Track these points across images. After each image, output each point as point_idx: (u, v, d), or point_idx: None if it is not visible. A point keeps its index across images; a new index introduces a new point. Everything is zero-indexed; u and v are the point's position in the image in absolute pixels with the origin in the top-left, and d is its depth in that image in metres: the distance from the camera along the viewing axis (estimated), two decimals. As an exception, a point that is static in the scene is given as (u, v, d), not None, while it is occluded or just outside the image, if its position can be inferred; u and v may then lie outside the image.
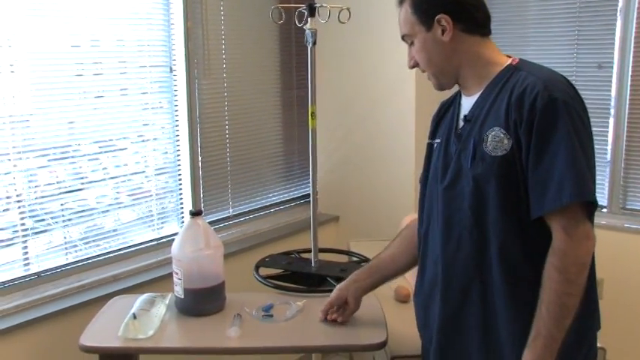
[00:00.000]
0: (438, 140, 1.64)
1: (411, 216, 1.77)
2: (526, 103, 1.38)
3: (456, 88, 1.64)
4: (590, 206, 1.37)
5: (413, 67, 1.61)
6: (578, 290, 1.36)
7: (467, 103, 1.56)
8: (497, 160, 1.42)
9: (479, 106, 1.50)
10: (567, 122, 1.35)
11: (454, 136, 1.56)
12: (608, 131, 3.09)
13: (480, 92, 1.52)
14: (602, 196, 3.13)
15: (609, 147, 3.10)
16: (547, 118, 1.36)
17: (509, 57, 1.54)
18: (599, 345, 2.01)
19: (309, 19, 2.43)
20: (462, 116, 1.56)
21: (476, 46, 1.52)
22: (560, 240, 1.36)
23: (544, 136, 1.36)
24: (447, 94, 1.68)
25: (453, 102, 1.65)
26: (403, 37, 1.59)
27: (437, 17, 1.48)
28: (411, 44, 1.57)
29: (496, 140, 1.42)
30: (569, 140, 1.34)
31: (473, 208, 1.47)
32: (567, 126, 1.35)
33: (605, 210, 3.14)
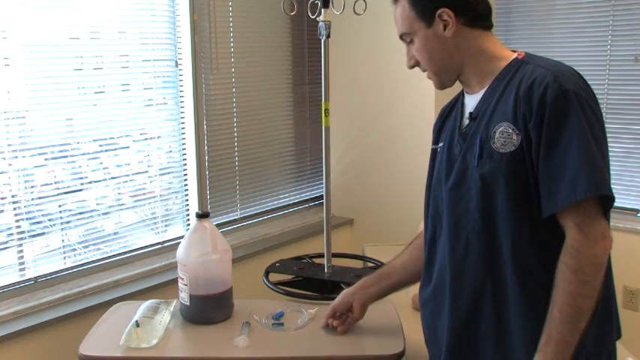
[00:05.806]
0: (441, 144, 1.64)
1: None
2: (535, 95, 1.37)
3: (458, 89, 1.64)
4: (606, 203, 1.36)
5: (413, 66, 1.61)
6: (593, 292, 1.34)
7: (471, 102, 1.56)
8: (505, 156, 1.41)
9: (485, 103, 1.50)
10: (580, 114, 1.34)
11: (458, 135, 1.56)
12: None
13: (484, 89, 1.52)
14: (638, 200, 3.09)
15: (645, 146, 3.07)
16: (558, 110, 1.35)
17: (515, 52, 1.54)
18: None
19: (322, 10, 2.43)
20: (466, 115, 1.56)
21: (479, 40, 1.52)
22: (575, 238, 1.34)
23: (555, 130, 1.35)
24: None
25: (455, 104, 1.65)
26: (401, 36, 1.59)
27: (438, 12, 1.48)
28: (410, 42, 1.57)
29: (504, 136, 1.42)
30: (583, 133, 1.33)
31: (481, 209, 1.46)
32: (580, 118, 1.34)
33: (640, 214, 3.11)
